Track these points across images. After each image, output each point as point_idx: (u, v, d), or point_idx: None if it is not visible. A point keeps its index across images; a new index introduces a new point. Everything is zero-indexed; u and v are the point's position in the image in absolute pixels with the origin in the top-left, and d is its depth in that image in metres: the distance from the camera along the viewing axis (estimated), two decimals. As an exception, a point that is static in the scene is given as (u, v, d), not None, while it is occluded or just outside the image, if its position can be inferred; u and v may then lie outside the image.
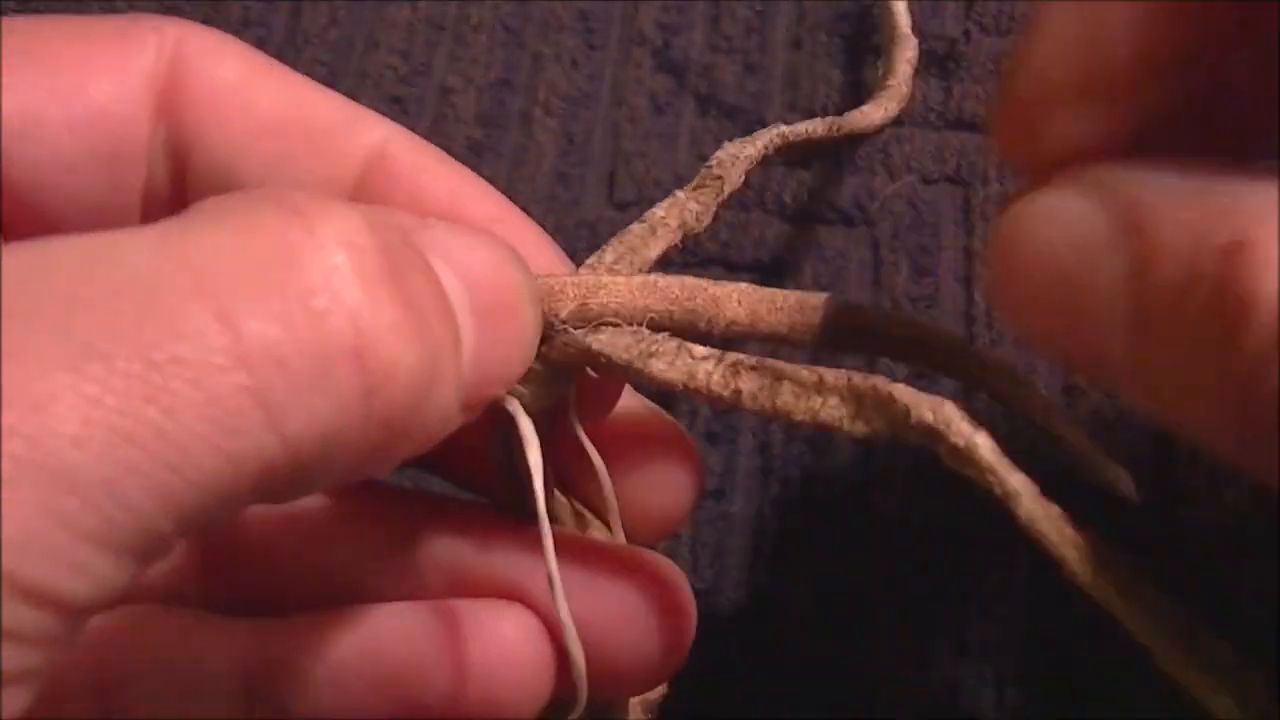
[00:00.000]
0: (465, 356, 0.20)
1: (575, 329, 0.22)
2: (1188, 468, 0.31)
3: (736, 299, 0.23)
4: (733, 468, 0.32)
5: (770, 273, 0.34)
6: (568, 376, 0.23)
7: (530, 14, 0.38)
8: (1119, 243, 0.20)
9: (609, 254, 0.24)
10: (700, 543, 0.32)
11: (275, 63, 0.25)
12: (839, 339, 0.24)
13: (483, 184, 0.25)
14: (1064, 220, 0.21)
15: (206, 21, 0.25)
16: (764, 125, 0.28)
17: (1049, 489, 0.22)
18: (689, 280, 0.24)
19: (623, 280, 0.23)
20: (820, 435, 0.32)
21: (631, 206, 0.35)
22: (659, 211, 0.25)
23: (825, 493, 0.31)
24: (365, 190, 0.24)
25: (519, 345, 0.21)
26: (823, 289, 0.33)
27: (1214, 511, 0.30)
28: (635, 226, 0.25)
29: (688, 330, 0.23)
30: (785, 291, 0.24)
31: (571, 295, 0.23)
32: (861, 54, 0.37)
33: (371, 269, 0.18)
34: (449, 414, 0.20)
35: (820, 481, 0.31)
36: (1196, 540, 0.30)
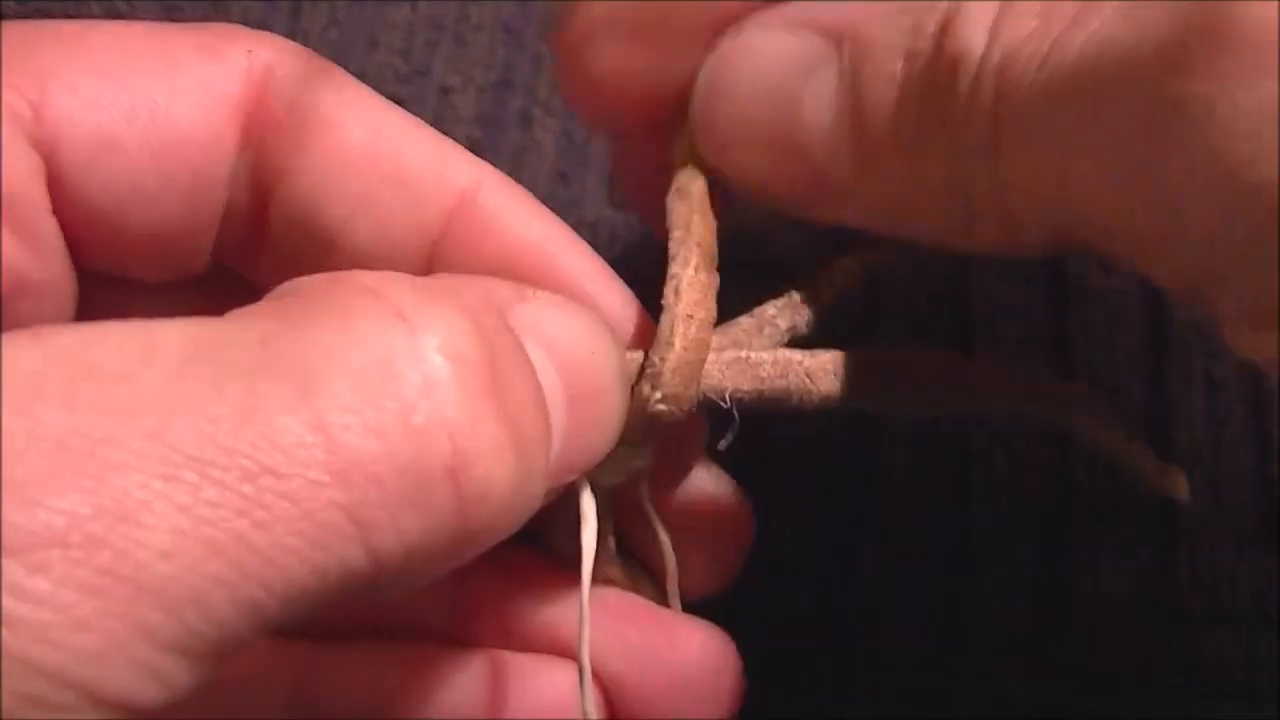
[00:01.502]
0: (555, 448, 0.19)
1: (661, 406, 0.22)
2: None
3: (832, 371, 0.23)
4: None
5: (770, 272, 0.34)
6: (646, 452, 0.23)
7: (530, 14, 0.38)
8: (830, 55, 0.22)
9: (712, 341, 0.23)
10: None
11: (368, 91, 0.24)
12: (934, 402, 0.24)
13: (570, 233, 0.24)
14: (772, 50, 0.22)
15: (205, 21, 0.24)
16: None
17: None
18: (781, 355, 0.23)
19: (712, 359, 0.23)
20: (820, 435, 0.32)
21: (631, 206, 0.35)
22: (770, 310, 0.24)
23: (825, 493, 0.31)
24: (452, 236, 0.23)
25: (605, 428, 0.21)
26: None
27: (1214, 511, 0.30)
28: (744, 320, 0.24)
29: (777, 408, 0.23)
30: (876, 354, 0.23)
31: (662, 371, 0.22)
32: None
33: (474, 382, 0.17)
34: (534, 506, 0.19)
35: (820, 481, 0.31)
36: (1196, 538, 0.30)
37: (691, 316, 0.22)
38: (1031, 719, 0.30)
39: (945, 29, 0.21)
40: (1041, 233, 0.21)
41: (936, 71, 0.21)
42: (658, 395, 0.22)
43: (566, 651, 0.24)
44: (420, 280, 0.19)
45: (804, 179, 0.23)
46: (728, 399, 0.22)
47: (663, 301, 0.22)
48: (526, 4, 0.38)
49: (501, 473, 0.18)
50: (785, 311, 0.24)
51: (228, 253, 0.24)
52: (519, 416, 0.18)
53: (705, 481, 0.25)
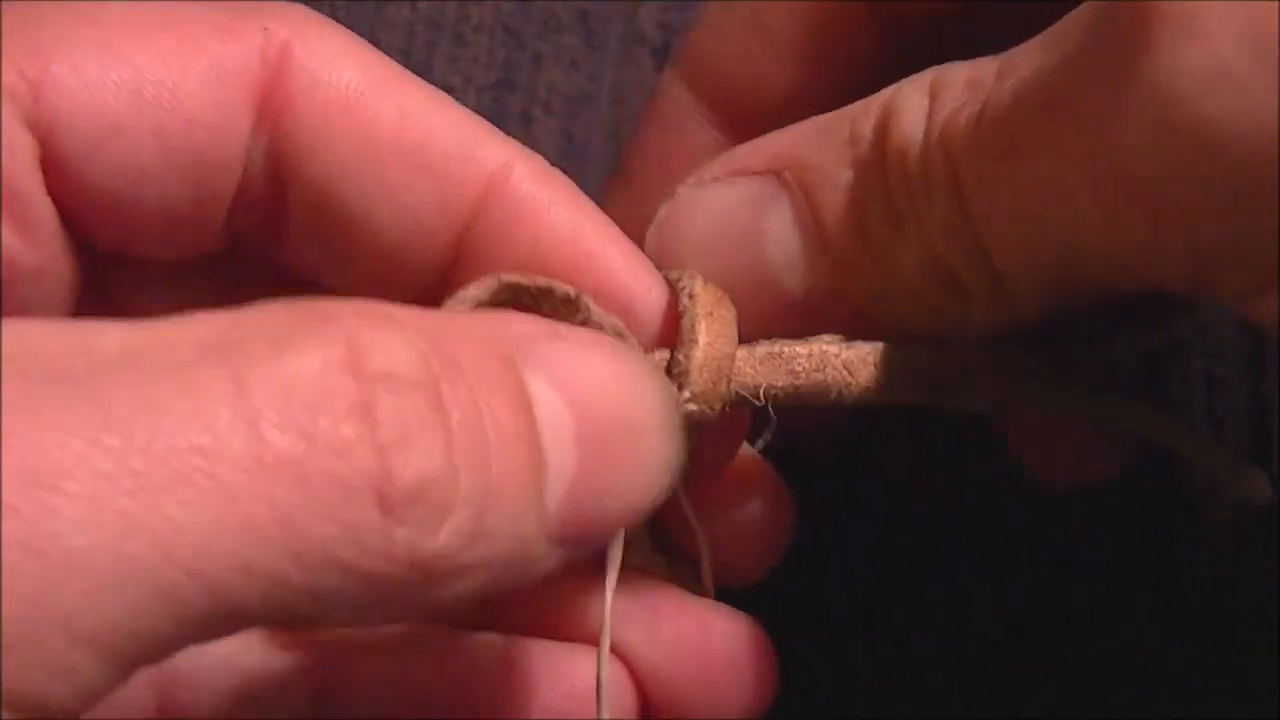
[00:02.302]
0: (557, 489, 0.18)
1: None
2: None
3: (872, 363, 0.22)
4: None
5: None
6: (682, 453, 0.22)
7: (530, 14, 0.38)
8: (774, 190, 0.23)
9: (760, 348, 0.22)
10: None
11: (394, 66, 0.23)
12: (979, 397, 0.23)
13: (606, 221, 0.23)
14: (713, 205, 0.24)
15: None
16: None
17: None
18: (817, 348, 0.22)
19: (744, 352, 0.22)
20: (820, 436, 0.32)
21: (631, 206, 0.35)
22: (831, 348, 0.23)
23: (825, 493, 0.31)
24: (481, 222, 0.23)
25: (641, 471, 0.19)
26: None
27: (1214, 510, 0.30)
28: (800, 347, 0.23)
29: (815, 404, 0.22)
30: (918, 346, 0.23)
31: (689, 369, 0.21)
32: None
33: (409, 405, 0.17)
34: (529, 551, 0.18)
35: (820, 481, 0.31)
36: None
37: (712, 314, 0.22)
38: (1032, 719, 0.30)
39: (883, 128, 0.22)
40: (1034, 286, 0.21)
41: (886, 168, 0.22)
42: (686, 394, 0.21)
43: (597, 639, 0.23)
44: (388, 308, 0.18)
45: (783, 312, 0.23)
46: (762, 396, 0.22)
47: (680, 308, 0.22)
48: (526, 4, 0.38)
49: (447, 499, 0.17)
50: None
51: (245, 233, 0.23)
52: (477, 447, 0.17)
53: (748, 471, 0.25)
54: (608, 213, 0.24)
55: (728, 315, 0.22)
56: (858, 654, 0.31)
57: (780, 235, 0.23)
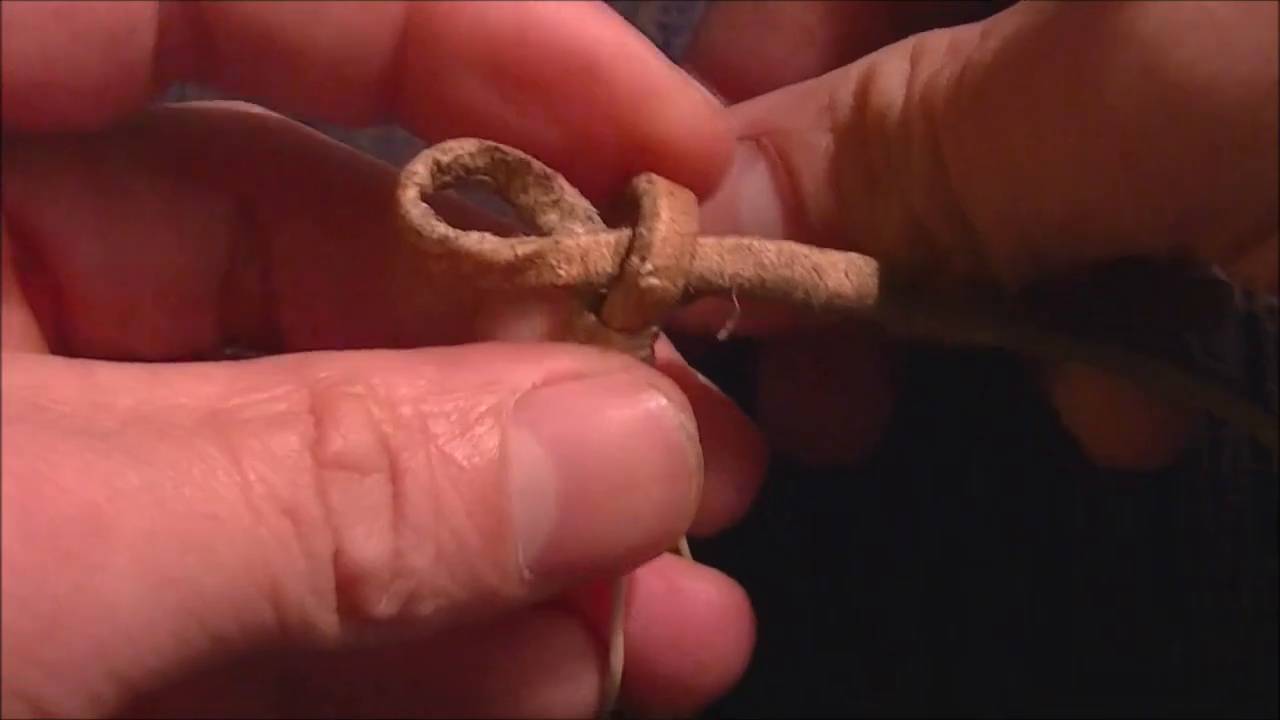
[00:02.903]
0: (533, 542, 0.19)
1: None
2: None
3: (843, 270, 0.22)
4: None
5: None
6: (644, 343, 0.21)
7: (530, 14, 0.38)
8: (752, 155, 0.23)
9: (729, 240, 0.22)
10: (694, 541, 0.32)
11: None
12: (955, 326, 0.23)
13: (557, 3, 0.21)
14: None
15: None
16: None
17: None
18: (787, 246, 0.22)
19: (712, 242, 0.21)
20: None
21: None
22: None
23: (825, 493, 0.31)
24: (418, 30, 0.21)
25: (635, 526, 0.20)
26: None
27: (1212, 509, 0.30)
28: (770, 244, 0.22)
29: (782, 301, 0.22)
30: (897, 265, 0.22)
31: (651, 242, 0.20)
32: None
33: (358, 489, 0.18)
34: (496, 596, 0.19)
35: (820, 482, 0.31)
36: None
37: (673, 194, 0.21)
38: (1031, 719, 0.30)
39: (863, 92, 0.22)
40: (1012, 247, 0.21)
41: (865, 131, 0.22)
42: (648, 267, 0.20)
43: (572, 605, 0.23)
44: (380, 363, 0.19)
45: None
46: (727, 280, 0.21)
47: (638, 191, 0.21)
48: (526, 4, 0.38)
49: (392, 572, 0.18)
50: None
51: (177, 75, 0.22)
52: (425, 522, 0.18)
53: (702, 396, 0.25)
54: None
55: (688, 196, 0.21)
56: (857, 655, 0.31)
57: (756, 200, 0.23)
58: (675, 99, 0.21)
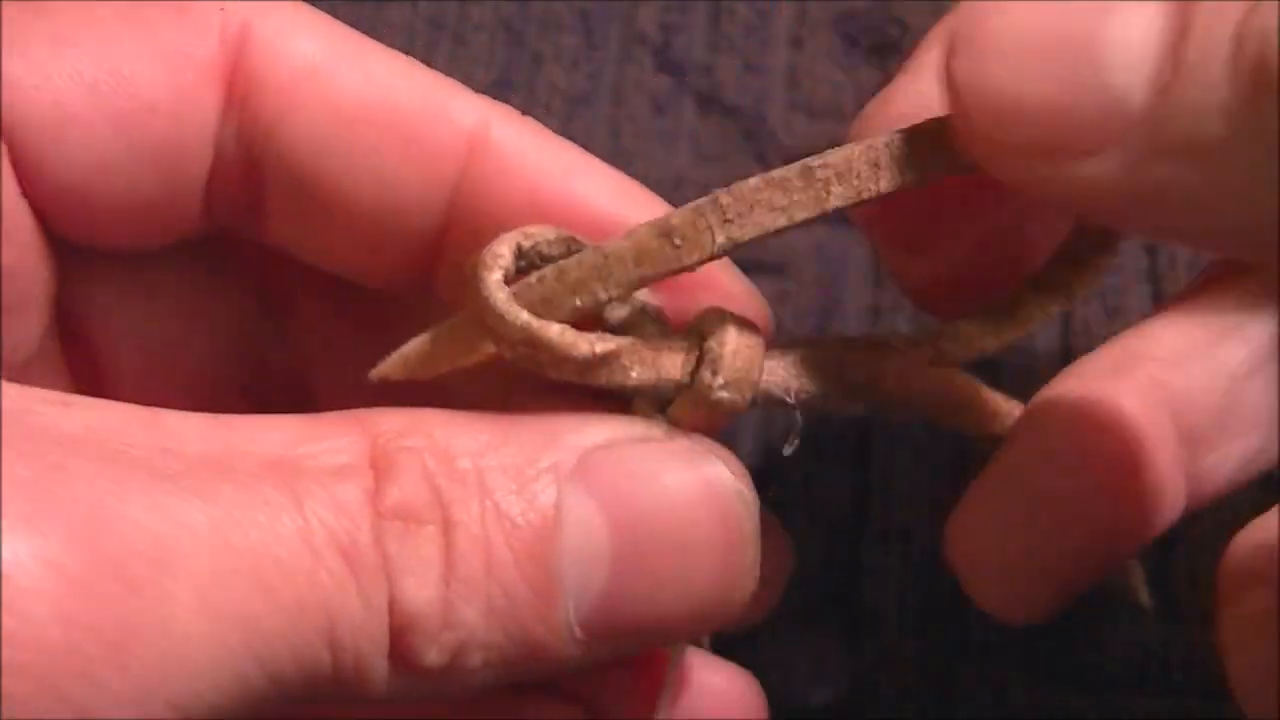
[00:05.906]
0: (584, 600, 0.19)
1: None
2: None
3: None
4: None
5: (771, 272, 0.34)
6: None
7: (530, 14, 0.38)
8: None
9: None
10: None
11: (355, 35, 0.22)
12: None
13: (598, 164, 0.23)
14: None
15: None
16: (764, 125, 0.28)
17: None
18: (837, 348, 0.22)
19: (776, 356, 0.22)
20: (820, 436, 0.31)
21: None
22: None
23: (824, 494, 0.31)
24: (471, 181, 0.22)
25: (691, 591, 0.20)
26: (823, 289, 0.33)
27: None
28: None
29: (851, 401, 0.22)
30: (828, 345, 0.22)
31: (722, 355, 0.21)
32: (862, 54, 0.37)
33: (412, 541, 0.18)
34: (547, 652, 0.19)
35: (820, 482, 0.31)
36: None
37: (740, 321, 0.21)
38: (1031, 719, 0.30)
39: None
40: None
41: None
42: (720, 381, 0.20)
43: (573, 693, 0.24)
44: (440, 421, 0.19)
45: (1094, 101, 0.17)
46: (792, 396, 0.21)
47: (705, 316, 0.21)
48: (526, 4, 0.38)
49: (442, 624, 0.18)
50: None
51: (225, 216, 0.23)
52: (475, 576, 0.18)
53: None
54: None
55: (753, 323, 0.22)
56: (856, 655, 0.31)
57: (1129, 36, 0.17)
58: (725, 287, 0.23)
